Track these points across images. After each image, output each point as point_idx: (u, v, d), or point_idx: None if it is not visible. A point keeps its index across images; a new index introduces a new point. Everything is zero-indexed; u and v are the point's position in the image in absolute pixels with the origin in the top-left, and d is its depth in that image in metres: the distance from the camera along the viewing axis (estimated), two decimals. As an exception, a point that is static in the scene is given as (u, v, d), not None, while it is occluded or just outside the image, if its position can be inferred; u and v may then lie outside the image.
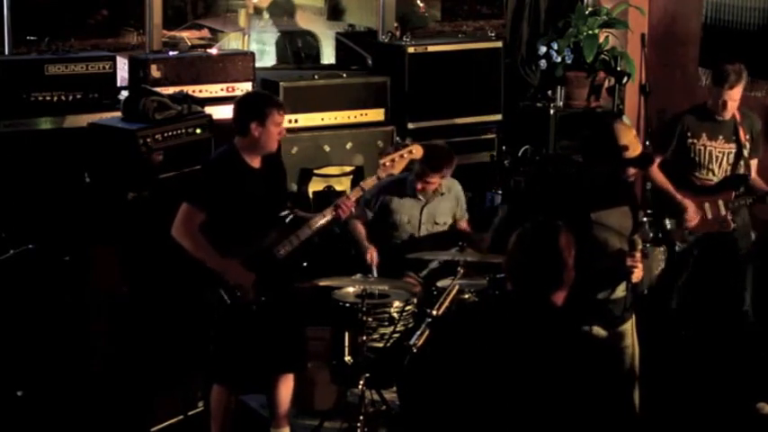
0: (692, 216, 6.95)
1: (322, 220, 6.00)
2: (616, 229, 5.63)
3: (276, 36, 10.63)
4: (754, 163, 7.15)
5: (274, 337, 5.99)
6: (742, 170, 7.04)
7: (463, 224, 7.30)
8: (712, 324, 7.29)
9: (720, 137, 7.03)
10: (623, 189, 5.71)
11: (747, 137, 7.05)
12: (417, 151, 6.30)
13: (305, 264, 6.11)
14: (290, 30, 10.74)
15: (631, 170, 5.61)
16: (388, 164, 6.16)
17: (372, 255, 6.91)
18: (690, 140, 7.04)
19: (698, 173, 7.07)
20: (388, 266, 6.93)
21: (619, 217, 5.66)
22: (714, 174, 7.06)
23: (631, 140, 5.58)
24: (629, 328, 5.79)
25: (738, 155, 7.02)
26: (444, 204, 7.20)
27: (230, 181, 5.86)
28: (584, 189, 5.64)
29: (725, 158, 7.04)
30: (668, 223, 7.07)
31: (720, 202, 6.98)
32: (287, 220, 6.02)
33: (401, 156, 6.20)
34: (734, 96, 6.95)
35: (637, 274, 5.60)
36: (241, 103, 6.05)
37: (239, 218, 5.88)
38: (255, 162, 5.95)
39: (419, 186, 7.04)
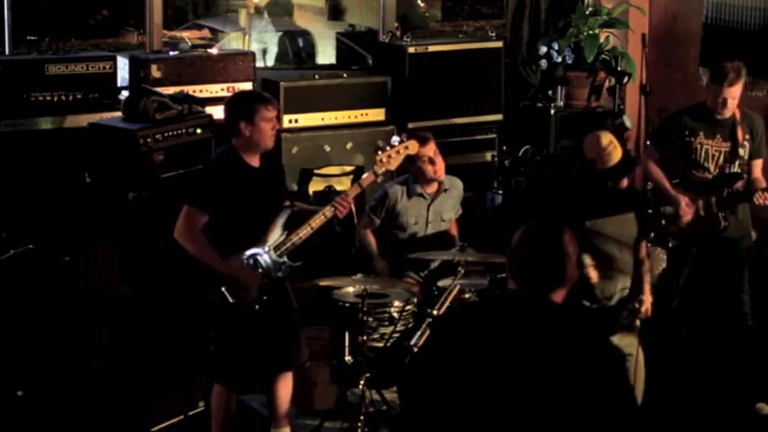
0: (685, 209, 6.94)
1: (322, 219, 6.00)
2: (615, 238, 5.60)
3: (276, 36, 10.64)
4: (757, 164, 7.11)
5: (274, 337, 5.99)
6: (737, 168, 7.02)
7: (451, 224, 7.29)
8: (712, 324, 7.28)
9: (718, 135, 7.02)
10: (623, 197, 5.68)
11: (747, 137, 7.03)
12: (413, 146, 6.30)
13: (300, 262, 6.09)
14: (290, 30, 10.75)
15: (617, 183, 5.61)
16: (384, 160, 6.17)
17: (384, 269, 6.92)
18: (687, 138, 7.03)
19: (694, 171, 7.06)
20: (391, 266, 6.95)
21: (618, 225, 5.62)
22: (710, 172, 7.05)
23: (600, 152, 5.58)
24: (633, 336, 5.75)
25: (733, 153, 7.01)
26: (449, 201, 7.20)
27: (231, 181, 5.86)
28: (577, 198, 5.64)
29: (721, 157, 7.03)
30: (668, 209, 7.05)
31: (713, 200, 6.97)
32: (289, 213, 6.03)
33: (397, 152, 6.21)
34: (733, 94, 6.93)
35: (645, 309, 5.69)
36: (229, 104, 6.06)
37: (241, 218, 5.88)
38: (254, 161, 5.95)
39: (431, 171, 7.00)
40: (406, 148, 6.25)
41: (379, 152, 6.22)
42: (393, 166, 6.25)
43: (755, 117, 7.14)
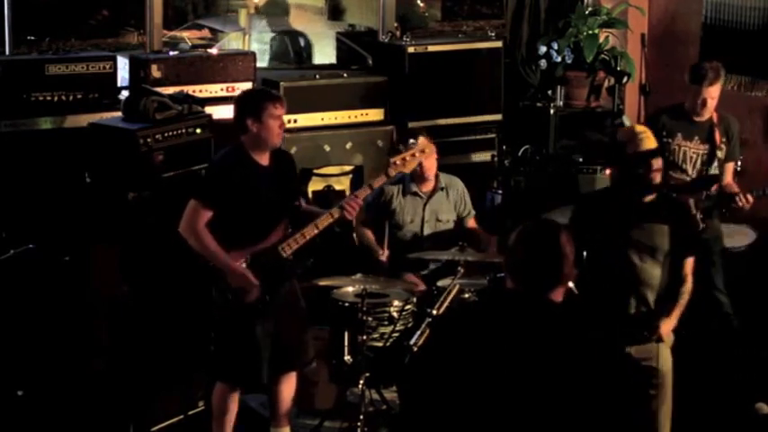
0: None
1: (329, 220, 6.01)
2: (635, 245, 5.49)
3: (276, 36, 10.64)
4: (729, 167, 7.10)
5: (278, 336, 5.99)
6: (714, 171, 7.01)
7: (471, 222, 7.30)
8: (709, 324, 7.27)
9: (696, 138, 7.02)
10: (659, 206, 5.58)
11: (723, 139, 7.03)
12: (429, 150, 6.31)
13: (311, 260, 6.11)
14: (290, 29, 10.75)
15: (649, 171, 5.52)
16: (399, 162, 6.16)
17: (385, 255, 6.92)
18: (665, 139, 7.00)
19: (672, 172, 7.04)
20: (391, 266, 6.95)
21: (643, 233, 5.51)
22: (687, 174, 7.04)
23: (633, 136, 5.55)
24: (657, 348, 5.58)
25: (711, 156, 7.01)
26: (446, 201, 7.21)
27: (238, 178, 5.87)
28: (605, 202, 5.58)
29: (699, 159, 7.02)
30: None
31: (691, 202, 6.94)
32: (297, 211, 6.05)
33: (412, 155, 6.19)
34: (712, 94, 6.93)
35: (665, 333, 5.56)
36: (238, 101, 6.08)
37: (247, 215, 5.89)
38: (263, 159, 5.96)
39: (418, 169, 7.00)
40: (422, 151, 6.25)
41: (394, 155, 6.23)
42: (408, 168, 6.24)
43: (732, 120, 7.14)
